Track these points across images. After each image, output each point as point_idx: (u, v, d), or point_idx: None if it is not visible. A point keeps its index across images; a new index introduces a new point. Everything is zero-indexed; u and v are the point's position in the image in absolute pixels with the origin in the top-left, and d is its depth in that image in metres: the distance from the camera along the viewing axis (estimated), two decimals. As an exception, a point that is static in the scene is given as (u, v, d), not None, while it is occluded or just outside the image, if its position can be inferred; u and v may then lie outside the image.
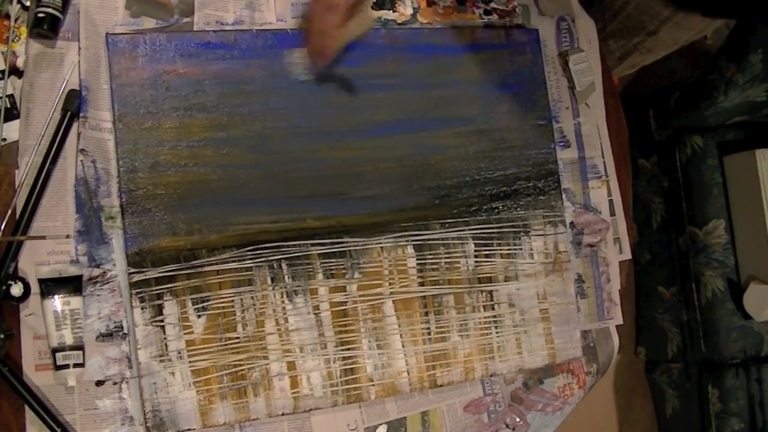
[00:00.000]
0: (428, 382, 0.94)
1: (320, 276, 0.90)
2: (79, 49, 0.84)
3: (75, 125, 0.83)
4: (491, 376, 0.98)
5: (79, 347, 0.79)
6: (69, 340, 0.79)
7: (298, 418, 0.89)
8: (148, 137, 0.85)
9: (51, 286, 0.79)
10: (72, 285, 0.80)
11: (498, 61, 1.03)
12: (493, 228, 1.00)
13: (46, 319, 0.79)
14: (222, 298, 0.86)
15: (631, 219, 1.14)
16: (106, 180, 0.84)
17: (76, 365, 0.79)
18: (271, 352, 0.87)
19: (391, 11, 1.00)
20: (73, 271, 0.81)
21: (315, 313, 0.89)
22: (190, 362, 0.83)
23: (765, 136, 1.71)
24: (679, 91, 1.72)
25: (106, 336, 0.82)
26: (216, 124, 0.88)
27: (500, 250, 1.00)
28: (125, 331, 0.82)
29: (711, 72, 1.58)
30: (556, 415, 1.03)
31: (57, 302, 0.79)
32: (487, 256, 0.99)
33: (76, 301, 0.80)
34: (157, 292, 0.83)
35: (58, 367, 0.78)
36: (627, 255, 1.12)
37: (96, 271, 0.82)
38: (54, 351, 0.78)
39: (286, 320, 0.88)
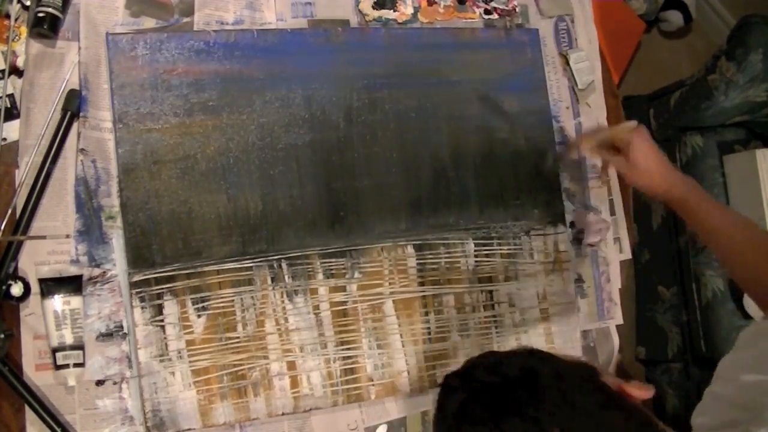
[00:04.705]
0: (428, 381, 0.94)
1: (320, 276, 0.90)
2: (80, 48, 0.84)
3: (75, 125, 0.83)
4: (491, 375, 0.98)
5: (79, 347, 0.79)
6: (69, 340, 0.79)
7: (298, 418, 0.89)
8: (149, 137, 0.85)
9: (51, 286, 0.79)
10: (72, 285, 0.80)
11: (498, 61, 1.03)
12: (493, 228, 0.99)
13: (47, 319, 0.79)
14: (222, 297, 0.86)
15: (632, 219, 1.14)
16: (106, 180, 0.84)
17: (76, 365, 0.79)
18: (271, 351, 0.87)
19: (392, 11, 0.99)
20: (73, 271, 0.81)
21: (315, 313, 0.89)
22: (190, 362, 0.83)
23: (765, 136, 1.71)
24: (680, 91, 1.71)
25: (106, 336, 0.82)
26: (216, 124, 0.88)
27: (500, 249, 1.00)
28: (125, 330, 0.82)
29: (711, 72, 1.58)
30: (556, 415, 1.03)
31: (57, 302, 0.79)
32: (487, 255, 0.99)
33: (76, 301, 0.80)
34: (157, 291, 0.83)
35: (58, 367, 0.78)
36: (627, 255, 1.12)
37: (96, 271, 0.82)
38: (54, 351, 0.78)
39: (286, 320, 0.88)
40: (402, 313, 0.94)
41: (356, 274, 0.92)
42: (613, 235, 1.10)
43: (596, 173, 1.09)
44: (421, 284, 0.95)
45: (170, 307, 0.83)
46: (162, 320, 0.83)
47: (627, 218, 1.12)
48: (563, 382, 0.50)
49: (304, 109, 0.92)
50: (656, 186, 0.88)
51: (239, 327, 0.86)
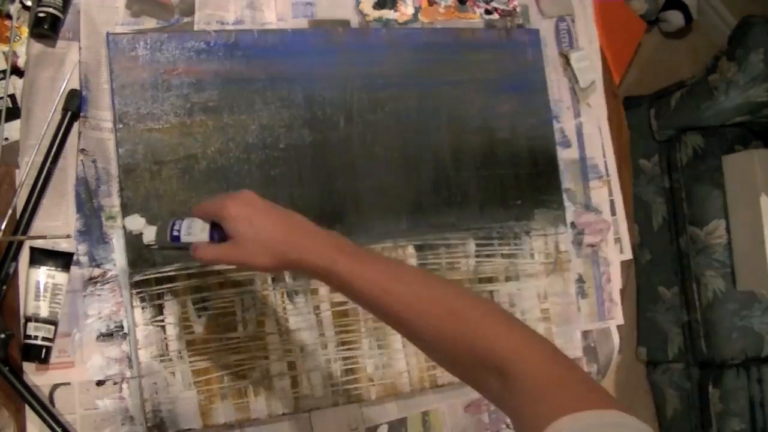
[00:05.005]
0: (429, 382, 0.94)
1: (321, 276, 0.90)
2: (80, 48, 0.84)
3: (75, 125, 0.83)
4: (492, 376, 0.98)
5: (52, 322, 0.79)
6: (44, 313, 0.78)
7: (298, 418, 0.89)
8: (149, 137, 0.85)
9: (41, 256, 0.79)
10: (61, 260, 0.80)
11: (498, 61, 1.03)
12: (493, 228, 0.99)
13: (28, 286, 0.78)
14: (222, 298, 0.86)
15: (632, 219, 1.14)
16: (107, 180, 0.84)
17: (45, 339, 0.78)
18: (271, 352, 0.87)
19: (392, 11, 0.99)
20: (65, 247, 0.81)
21: (315, 313, 0.89)
22: (190, 362, 0.83)
23: (765, 136, 1.71)
24: (680, 91, 1.72)
25: (107, 336, 0.82)
26: (217, 124, 0.87)
27: (501, 250, 1.00)
28: (126, 330, 0.82)
29: (712, 72, 1.58)
30: (556, 415, 1.02)
31: (42, 273, 0.78)
32: (487, 255, 0.99)
33: (61, 277, 0.79)
34: (158, 291, 0.83)
35: (26, 338, 0.77)
36: (628, 255, 1.11)
37: (96, 271, 0.82)
38: (26, 320, 0.78)
39: (287, 320, 0.88)
40: (402, 314, 0.94)
41: (357, 274, 0.92)
42: (614, 235, 1.10)
43: (597, 173, 1.09)
44: (422, 284, 0.95)
45: (171, 307, 0.83)
46: (162, 320, 0.83)
47: (627, 218, 1.12)
48: None
49: (304, 109, 0.92)
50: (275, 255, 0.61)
51: (239, 327, 0.86)
